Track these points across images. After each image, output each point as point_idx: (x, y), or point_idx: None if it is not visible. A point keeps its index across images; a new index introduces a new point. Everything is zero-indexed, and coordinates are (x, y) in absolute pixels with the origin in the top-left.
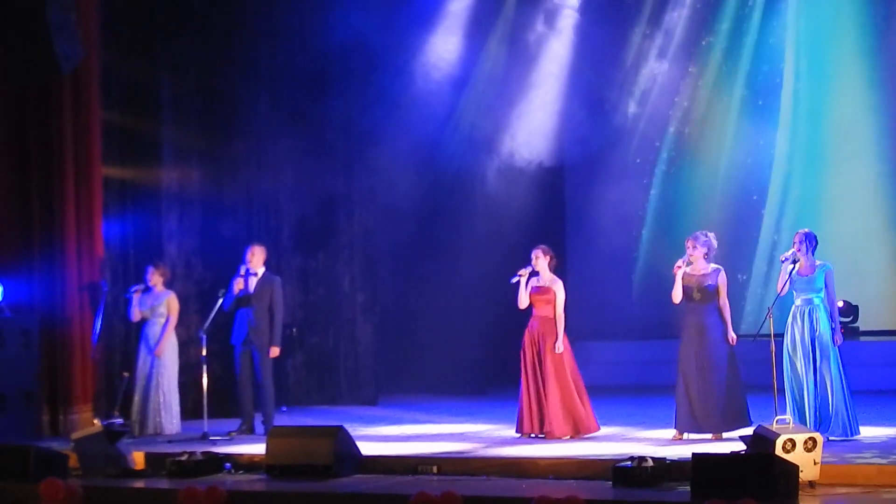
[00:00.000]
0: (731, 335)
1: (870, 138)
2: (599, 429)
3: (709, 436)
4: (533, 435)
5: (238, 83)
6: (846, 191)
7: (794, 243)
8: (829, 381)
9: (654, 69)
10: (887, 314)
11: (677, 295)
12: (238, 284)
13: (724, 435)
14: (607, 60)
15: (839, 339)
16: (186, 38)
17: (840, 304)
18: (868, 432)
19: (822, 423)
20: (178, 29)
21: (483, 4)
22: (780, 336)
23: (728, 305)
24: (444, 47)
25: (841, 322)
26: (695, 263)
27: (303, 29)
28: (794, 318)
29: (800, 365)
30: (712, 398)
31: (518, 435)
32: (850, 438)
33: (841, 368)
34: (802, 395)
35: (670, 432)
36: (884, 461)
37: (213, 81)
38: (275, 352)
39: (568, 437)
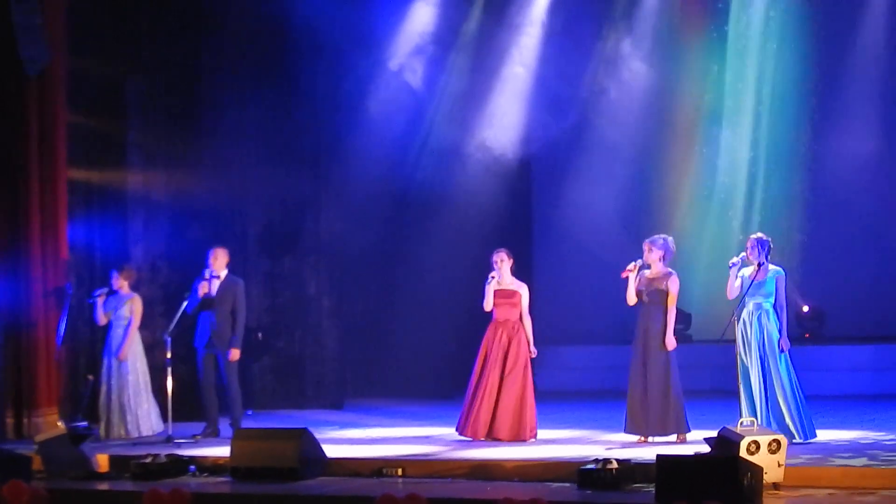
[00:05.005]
0: (669, 340)
1: (838, 142)
2: (536, 438)
3: (636, 438)
4: (473, 439)
5: (205, 87)
6: (814, 195)
7: (746, 248)
8: (780, 385)
9: (621, 70)
10: (854, 320)
11: (631, 297)
12: (202, 288)
13: (652, 439)
14: (574, 62)
15: (785, 343)
16: (154, 41)
17: (806, 309)
18: (833, 435)
19: (776, 428)
20: (145, 32)
21: (450, 8)
22: (733, 341)
23: (674, 311)
24: (410, 52)
25: (809, 327)
26: (652, 267)
27: (270, 34)
28: (745, 322)
29: (752, 369)
30: (647, 401)
31: (460, 436)
32: (807, 441)
33: (792, 372)
34: (754, 398)
35: (635, 435)
36: (848, 464)
37: (179, 85)
38: (234, 354)
39: (507, 440)
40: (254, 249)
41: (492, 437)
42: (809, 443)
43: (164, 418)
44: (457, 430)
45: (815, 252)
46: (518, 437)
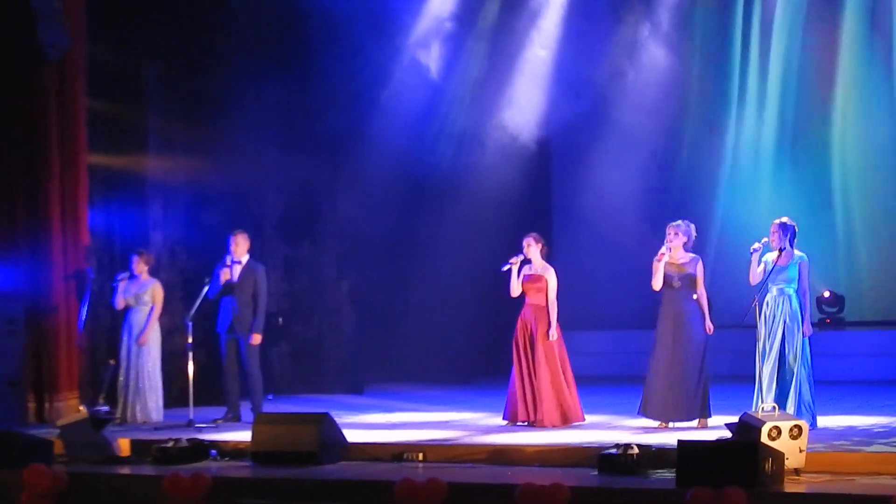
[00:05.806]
0: (709, 325)
1: (859, 127)
2: (584, 419)
3: (656, 423)
4: (524, 423)
5: (223, 72)
6: (834, 181)
7: (771, 233)
8: (793, 371)
9: (640, 53)
10: (873, 305)
11: (658, 282)
12: (224, 274)
13: (673, 425)
14: (593, 45)
15: (808, 329)
16: (172, 27)
17: (826, 294)
18: (853, 421)
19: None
20: (164, 18)
21: None
22: (754, 326)
23: (705, 294)
24: (429, 35)
25: (828, 312)
26: (674, 251)
27: (288, 18)
28: (768, 306)
29: (770, 353)
30: (683, 386)
31: (505, 422)
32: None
33: (808, 360)
34: (762, 382)
35: (655, 420)
36: (868, 449)
37: (198, 71)
38: (256, 339)
39: (557, 425)
40: (271, 234)
41: (539, 425)
42: (828, 428)
43: (186, 403)
44: (504, 417)
45: (835, 237)
46: (566, 422)
